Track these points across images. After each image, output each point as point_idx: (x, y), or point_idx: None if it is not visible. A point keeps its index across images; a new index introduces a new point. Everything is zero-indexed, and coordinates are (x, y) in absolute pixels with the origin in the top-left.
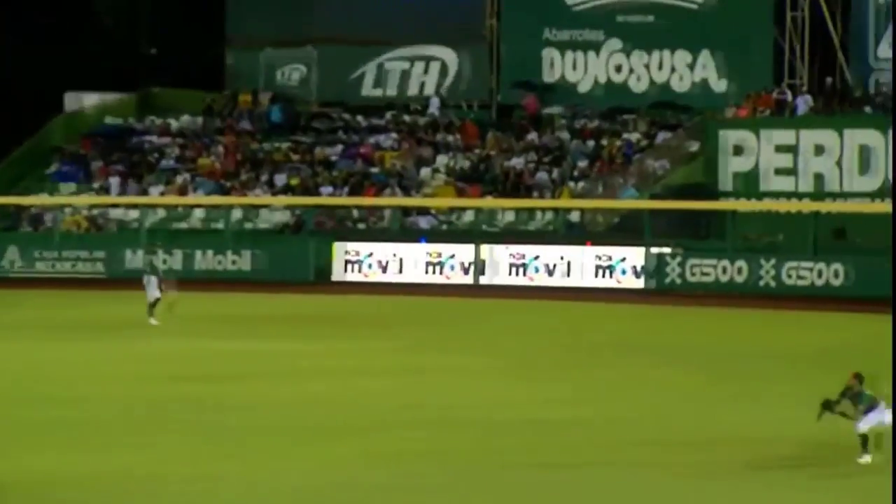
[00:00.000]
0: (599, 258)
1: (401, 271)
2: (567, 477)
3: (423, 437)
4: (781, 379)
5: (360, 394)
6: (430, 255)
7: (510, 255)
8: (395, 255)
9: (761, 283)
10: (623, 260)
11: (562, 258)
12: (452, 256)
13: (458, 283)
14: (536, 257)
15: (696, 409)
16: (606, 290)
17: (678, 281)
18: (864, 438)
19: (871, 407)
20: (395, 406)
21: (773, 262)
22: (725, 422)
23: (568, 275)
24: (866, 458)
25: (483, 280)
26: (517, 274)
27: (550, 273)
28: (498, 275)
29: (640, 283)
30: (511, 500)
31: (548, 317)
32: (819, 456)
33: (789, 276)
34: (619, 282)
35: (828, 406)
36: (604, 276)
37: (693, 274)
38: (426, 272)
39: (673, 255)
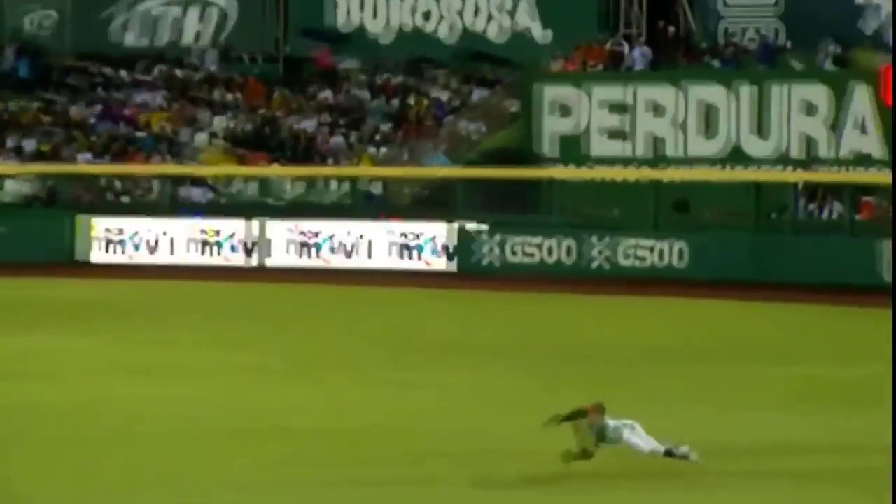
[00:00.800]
0: (404, 236)
1: (172, 252)
2: (371, 495)
3: (201, 452)
4: (615, 380)
5: (124, 400)
6: (206, 233)
7: (300, 232)
8: (164, 233)
9: (593, 264)
10: (431, 238)
11: (360, 236)
12: (232, 235)
13: (238, 266)
14: (330, 236)
15: (515, 417)
16: (411, 272)
17: (496, 262)
18: (668, 453)
19: (616, 440)
20: (173, 415)
21: (606, 240)
22: (545, 432)
23: (367, 256)
24: (693, 457)
25: (268, 262)
26: (307, 255)
27: (347, 254)
28: (285, 256)
29: (451, 266)
30: None
31: (343, 305)
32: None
33: (626, 257)
34: (426, 263)
35: (565, 419)
36: (409, 256)
37: (513, 254)
38: (201, 253)
39: (489, 233)
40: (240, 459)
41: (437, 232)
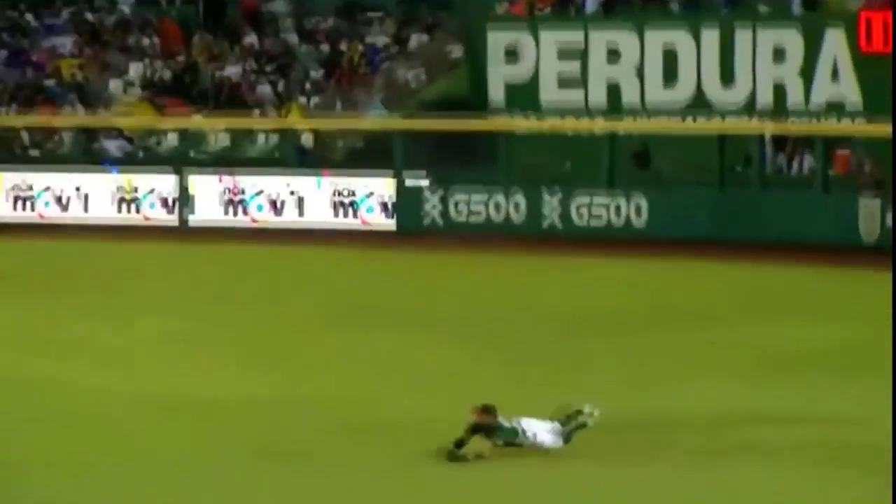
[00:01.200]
0: (339, 193)
1: (86, 209)
2: (287, 472)
3: (121, 426)
4: (552, 348)
5: (35, 374)
6: (124, 188)
7: (225, 188)
8: (77, 188)
9: (544, 222)
10: (369, 195)
11: (291, 192)
12: (151, 191)
13: (158, 224)
14: (259, 192)
15: (452, 388)
16: (348, 231)
17: (439, 220)
18: (567, 436)
19: (512, 440)
20: (90, 388)
21: (558, 196)
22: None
23: (299, 213)
24: (594, 413)
25: (191, 220)
26: (234, 212)
27: (277, 211)
28: (210, 213)
29: (390, 223)
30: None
31: (273, 266)
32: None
33: (579, 214)
34: (364, 221)
35: (459, 446)
36: (345, 214)
37: (458, 211)
38: (118, 210)
39: (432, 188)
40: (159, 433)
41: (376, 187)
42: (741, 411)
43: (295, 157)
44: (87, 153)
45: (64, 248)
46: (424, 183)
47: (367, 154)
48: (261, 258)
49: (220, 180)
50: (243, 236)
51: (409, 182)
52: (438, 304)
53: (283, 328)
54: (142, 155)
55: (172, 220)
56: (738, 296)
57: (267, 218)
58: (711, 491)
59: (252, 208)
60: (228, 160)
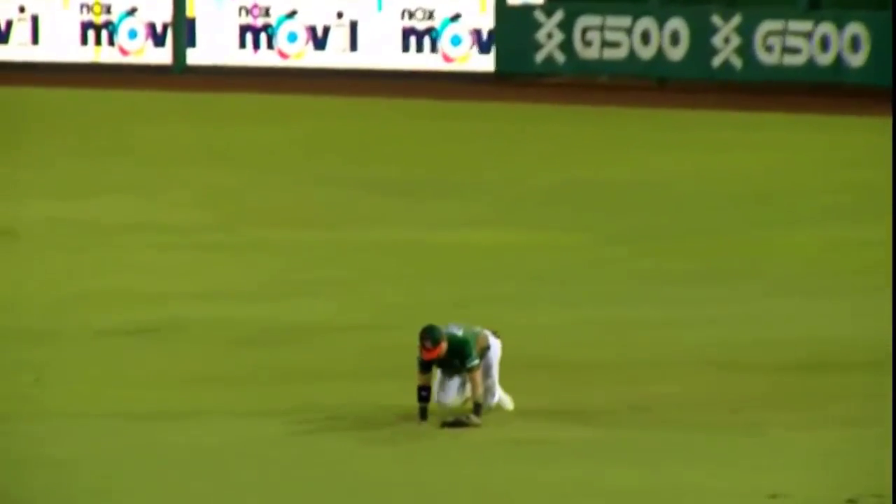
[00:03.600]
0: (410, 15)
1: (35, 40)
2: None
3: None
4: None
5: None
6: (92, 9)
7: (241, 8)
8: (22, 9)
9: (714, 60)
10: (454, 18)
11: (339, 15)
12: (132, 11)
13: (142, 63)
14: (291, 13)
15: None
16: (423, 73)
17: (558, 57)
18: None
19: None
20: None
21: (734, 20)
22: None
23: (351, 46)
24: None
25: (191, 57)
26: (255, 44)
27: (318, 43)
28: (218, 47)
29: (485, 62)
30: None
31: (308, 127)
32: None
33: (766, 48)
34: (446, 58)
35: (423, 400)
36: (419, 48)
37: (586, 44)
38: (83, 41)
39: (547, 9)
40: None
41: (464, 8)
42: None
43: None
44: None
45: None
46: (538, 0)
47: None
48: (292, 113)
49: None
50: (267, 81)
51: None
52: (556, 188)
53: (328, 215)
54: None
55: (164, 56)
56: None
57: (303, 53)
58: None
59: (281, 39)
60: None
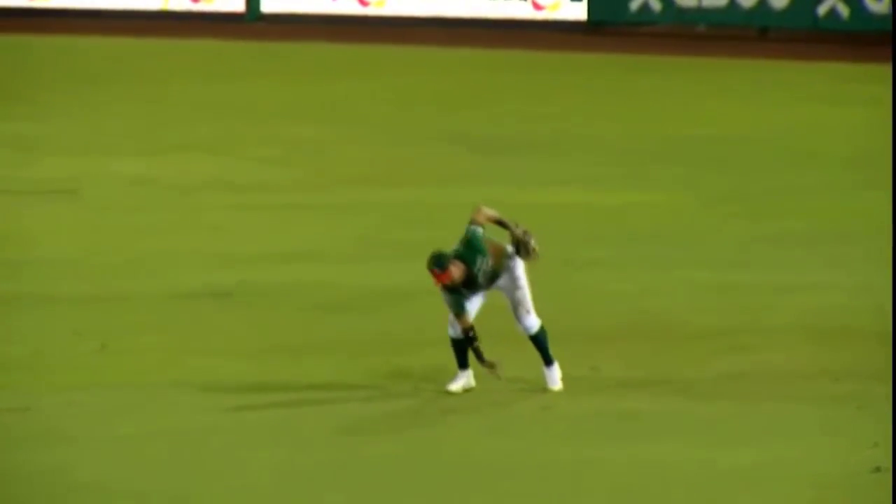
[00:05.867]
0: None
1: None
2: None
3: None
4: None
5: None
6: None
7: None
8: None
9: (819, 6)
10: None
11: None
12: None
13: (214, 12)
14: None
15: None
16: (511, 23)
17: (654, 5)
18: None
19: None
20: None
21: None
22: None
23: None
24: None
25: (264, 5)
26: None
27: None
28: None
29: (577, 10)
30: None
31: (389, 82)
32: None
33: None
34: (537, 6)
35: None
36: None
37: None
38: None
39: None
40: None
41: None
42: None
43: None
44: None
45: (67, 46)
46: None
47: None
48: (375, 65)
49: None
50: (346, 30)
51: None
52: (652, 143)
53: (417, 172)
54: None
55: (236, 4)
56: None
57: (384, 0)
58: None
59: None
60: None
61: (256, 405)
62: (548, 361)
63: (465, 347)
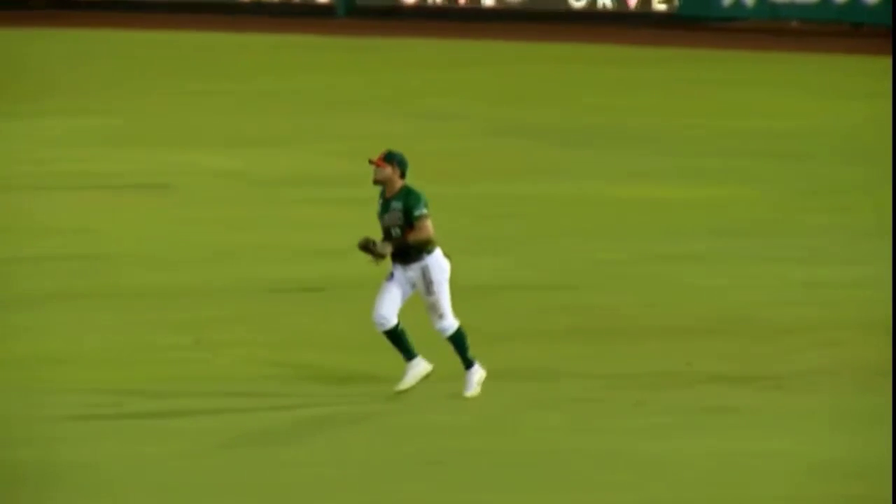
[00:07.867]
0: None
1: None
2: None
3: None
4: None
5: None
6: None
7: None
8: None
9: None
10: None
11: None
12: None
13: (303, 2)
14: None
15: None
16: (593, 16)
17: None
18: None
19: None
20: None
21: None
22: None
23: None
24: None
25: None
26: None
27: None
28: None
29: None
30: None
31: (484, 77)
32: None
33: None
34: None
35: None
36: None
37: None
38: None
39: None
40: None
41: None
42: None
43: None
44: None
45: (163, 41)
46: None
47: None
48: (462, 59)
49: None
50: (435, 25)
51: None
52: (741, 138)
53: (503, 166)
54: None
55: None
56: None
57: None
58: None
59: None
60: None
61: (367, 397)
62: (466, 365)
63: (398, 339)
